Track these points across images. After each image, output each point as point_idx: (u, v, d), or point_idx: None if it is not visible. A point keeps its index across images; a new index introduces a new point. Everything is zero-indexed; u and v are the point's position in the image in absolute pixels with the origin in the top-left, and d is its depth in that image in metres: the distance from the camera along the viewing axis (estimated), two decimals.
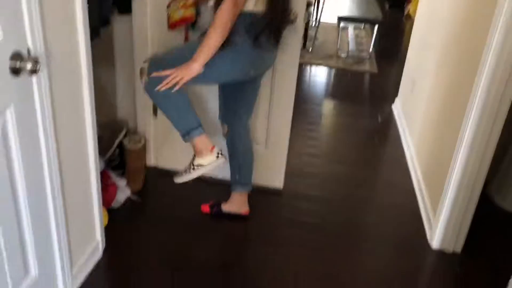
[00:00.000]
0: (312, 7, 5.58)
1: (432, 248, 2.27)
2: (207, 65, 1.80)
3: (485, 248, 2.33)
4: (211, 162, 1.99)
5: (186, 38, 2.25)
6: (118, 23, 2.31)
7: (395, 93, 3.87)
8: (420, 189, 2.63)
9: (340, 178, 2.85)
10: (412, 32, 3.68)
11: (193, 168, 2.01)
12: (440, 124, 2.52)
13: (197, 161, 2.00)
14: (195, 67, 1.78)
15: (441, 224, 2.22)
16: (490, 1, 1.95)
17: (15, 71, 1.27)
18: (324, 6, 5.64)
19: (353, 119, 3.76)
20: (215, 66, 1.83)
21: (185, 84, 1.82)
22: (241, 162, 2.28)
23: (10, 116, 1.30)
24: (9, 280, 1.44)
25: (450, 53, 2.54)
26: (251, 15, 1.84)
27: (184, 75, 1.79)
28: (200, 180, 2.12)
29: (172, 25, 2.15)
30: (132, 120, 2.54)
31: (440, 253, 2.26)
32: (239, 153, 2.26)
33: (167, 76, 1.80)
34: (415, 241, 2.34)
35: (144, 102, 2.45)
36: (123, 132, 2.48)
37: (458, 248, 2.25)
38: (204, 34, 1.84)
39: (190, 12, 2.10)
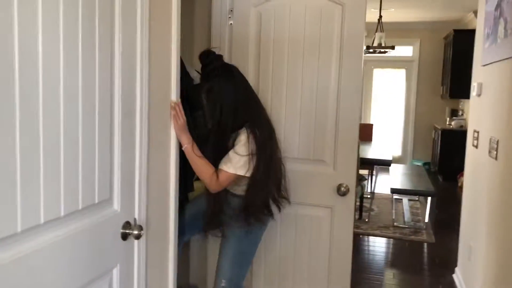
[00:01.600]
0: (367, 180, 5.99)
1: None
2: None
3: None
4: None
5: None
6: None
7: (455, 262, 3.91)
8: None
9: None
10: (463, 201, 3.87)
11: None
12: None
13: None
14: (183, 136, 2.01)
15: None
16: None
17: (124, 237, 1.61)
18: (377, 179, 6.03)
19: None
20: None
21: None
22: None
23: (116, 274, 1.60)
24: None
25: (499, 217, 2.70)
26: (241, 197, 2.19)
27: (176, 127, 1.96)
28: None
29: None
30: (202, 285, 2.78)
31: None
32: None
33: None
34: None
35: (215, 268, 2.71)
36: None
37: None
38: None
39: None
